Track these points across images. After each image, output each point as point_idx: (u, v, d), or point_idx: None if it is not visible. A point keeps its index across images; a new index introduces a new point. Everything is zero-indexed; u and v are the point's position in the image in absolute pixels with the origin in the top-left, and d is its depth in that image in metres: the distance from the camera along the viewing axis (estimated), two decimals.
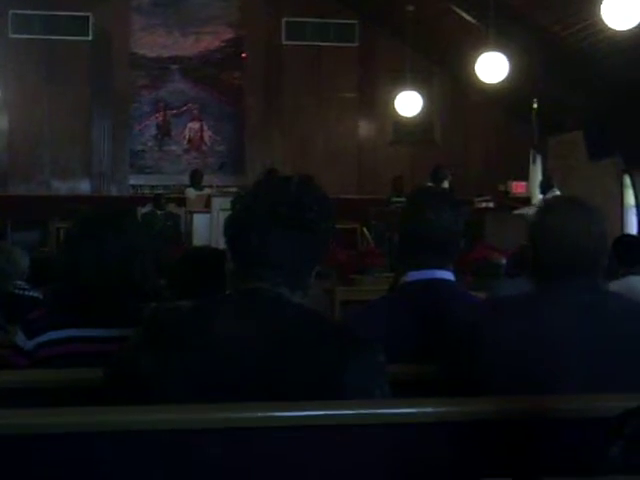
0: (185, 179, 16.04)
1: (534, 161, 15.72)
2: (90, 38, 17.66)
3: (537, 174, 15.45)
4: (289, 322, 2.31)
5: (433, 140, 18.50)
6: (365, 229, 14.56)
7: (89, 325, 3.04)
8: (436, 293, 3.20)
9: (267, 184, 2.49)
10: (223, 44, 18.24)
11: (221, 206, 13.04)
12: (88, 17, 17.56)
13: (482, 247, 8.97)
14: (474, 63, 13.91)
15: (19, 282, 5.27)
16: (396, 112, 16.78)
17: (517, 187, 16.81)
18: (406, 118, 16.93)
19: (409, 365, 2.88)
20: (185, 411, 2.16)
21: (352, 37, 18.44)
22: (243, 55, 18.23)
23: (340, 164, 17.76)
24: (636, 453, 1.83)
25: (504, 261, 7.42)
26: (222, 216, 11.78)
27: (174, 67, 18.09)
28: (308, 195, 2.41)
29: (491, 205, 15.02)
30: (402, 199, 12.47)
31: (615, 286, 5.82)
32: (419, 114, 16.66)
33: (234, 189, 14.17)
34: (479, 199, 14.96)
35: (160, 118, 18.11)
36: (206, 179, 15.73)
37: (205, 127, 18.21)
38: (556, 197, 3.03)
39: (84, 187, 17.68)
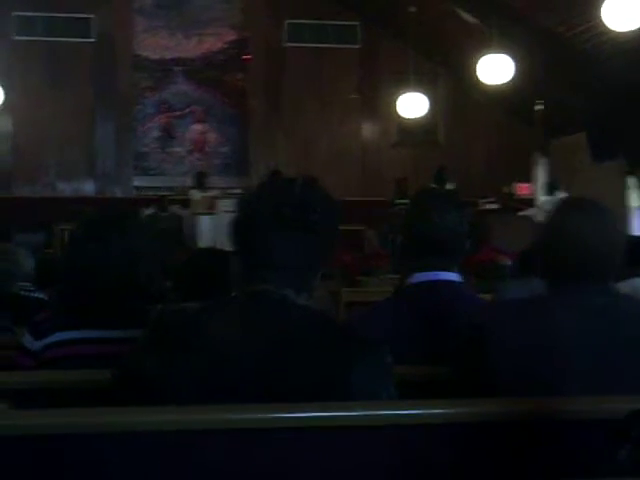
0: (189, 181, 16.07)
1: (538, 163, 15.73)
2: (93, 40, 17.68)
3: (541, 176, 15.46)
4: (295, 324, 2.31)
5: (437, 142, 18.50)
6: (370, 231, 14.55)
7: (95, 327, 3.04)
8: (441, 294, 3.19)
9: (271, 186, 2.49)
10: (226, 46, 18.26)
11: (225, 208, 13.07)
12: (90, 19, 17.58)
13: (487, 249, 8.97)
14: (477, 64, 13.93)
15: (24, 284, 5.27)
16: (399, 114, 16.78)
17: (521, 189, 16.81)
18: (409, 120, 16.94)
19: (416, 366, 2.88)
20: (189, 412, 2.16)
21: (354, 39, 18.45)
22: (246, 57, 18.22)
23: (344, 166, 17.77)
24: None
25: (509, 263, 7.43)
26: (226, 218, 11.80)
27: (177, 69, 18.11)
28: (312, 197, 2.42)
29: (495, 207, 15.02)
30: (406, 201, 12.47)
31: (620, 288, 5.80)
32: (422, 116, 16.66)
33: (238, 191, 14.18)
34: (483, 200, 14.96)
35: (163, 120, 18.13)
36: (210, 181, 15.75)
37: (209, 129, 18.22)
38: (568, 199, 2.99)
39: (88, 189, 17.71)
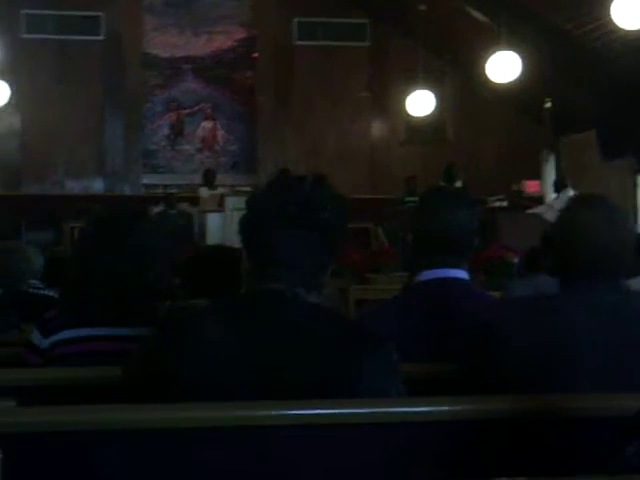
0: (198, 178, 16.07)
1: (547, 160, 15.71)
2: (102, 38, 17.69)
3: (550, 173, 15.44)
4: (305, 322, 2.32)
5: (446, 139, 18.48)
6: (380, 229, 14.54)
7: (103, 324, 3.05)
8: (450, 292, 3.19)
9: (281, 184, 2.49)
10: (235, 44, 18.26)
11: (234, 205, 13.05)
12: (100, 17, 17.59)
13: (496, 246, 8.96)
14: (486, 62, 13.91)
15: (33, 281, 5.28)
16: (408, 112, 16.76)
17: (530, 186, 16.77)
18: (418, 118, 16.91)
19: (424, 364, 2.88)
20: (199, 410, 2.16)
21: (364, 37, 18.43)
22: (254, 55, 18.23)
23: (353, 164, 17.75)
24: None
25: (517, 260, 7.42)
26: (235, 215, 11.82)
27: (186, 67, 18.11)
28: (321, 195, 2.42)
29: (504, 204, 14.99)
30: (415, 199, 12.45)
31: (630, 285, 5.79)
32: (431, 113, 16.64)
33: (247, 188, 14.17)
34: (492, 198, 14.93)
35: (173, 118, 18.14)
36: (219, 178, 15.76)
37: (218, 126, 18.23)
38: (579, 196, 2.98)
39: (97, 186, 17.72)
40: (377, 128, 18.64)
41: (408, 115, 16.98)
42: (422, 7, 15.73)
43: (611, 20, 10.78)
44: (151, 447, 2.13)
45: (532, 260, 6.68)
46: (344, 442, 2.18)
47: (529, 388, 2.56)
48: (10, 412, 2.28)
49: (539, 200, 15.17)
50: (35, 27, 17.40)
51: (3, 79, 15.57)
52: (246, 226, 2.44)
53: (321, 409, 2.17)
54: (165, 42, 18.03)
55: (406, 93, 16.64)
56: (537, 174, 16.13)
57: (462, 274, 3.25)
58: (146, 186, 17.90)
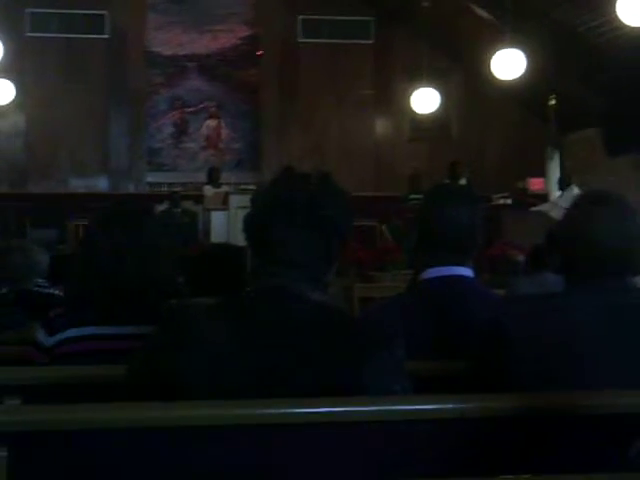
0: (202, 176, 16.06)
1: (551, 158, 15.69)
2: (106, 36, 17.71)
3: (555, 171, 15.42)
4: (310, 319, 2.31)
5: (450, 137, 18.47)
6: (384, 226, 14.53)
7: (108, 323, 3.04)
8: (455, 289, 3.19)
9: (285, 182, 2.49)
10: (239, 41, 18.26)
11: (238, 203, 13.06)
12: (104, 15, 17.61)
13: (500, 244, 8.96)
14: (491, 60, 13.90)
15: (39, 280, 5.29)
16: (413, 109, 16.77)
17: (535, 184, 16.76)
18: (423, 115, 16.92)
19: (430, 361, 2.87)
20: (202, 408, 2.16)
21: (368, 34, 18.43)
22: (259, 53, 18.23)
23: (357, 161, 17.75)
24: None
25: (522, 258, 7.42)
26: (239, 213, 11.82)
27: (190, 65, 18.12)
28: (326, 192, 2.42)
29: (509, 202, 14.98)
30: (420, 196, 12.45)
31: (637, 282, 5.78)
32: (436, 111, 16.65)
33: (251, 186, 14.19)
34: (497, 196, 14.92)
35: (177, 116, 18.15)
36: (223, 176, 15.77)
37: (222, 124, 18.23)
38: (588, 193, 2.96)
39: (102, 185, 17.74)
40: (381, 125, 18.63)
41: (413, 112, 16.99)
42: (426, 4, 15.73)
43: (616, 17, 10.77)
44: (154, 445, 2.13)
45: (537, 258, 6.67)
46: (349, 440, 2.18)
47: (536, 387, 2.55)
48: (15, 410, 2.28)
49: (544, 198, 15.15)
50: (40, 26, 17.43)
51: (8, 78, 15.61)
52: (250, 224, 2.44)
53: (326, 407, 2.16)
54: (169, 40, 18.05)
55: (410, 90, 16.66)
56: (542, 171, 16.11)
57: (467, 272, 3.25)
58: (150, 184, 17.92)
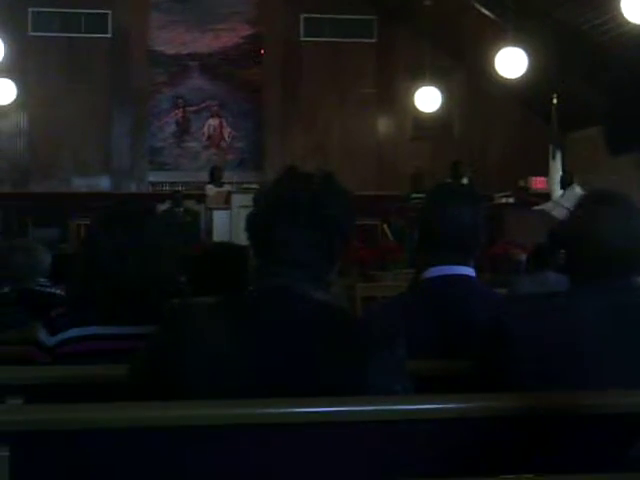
0: (204, 176, 16.05)
1: (554, 157, 15.67)
2: (109, 35, 17.71)
3: (557, 170, 15.40)
4: (312, 318, 2.31)
5: (452, 136, 18.45)
6: (386, 226, 14.53)
7: (110, 322, 3.04)
8: (457, 289, 3.19)
9: (288, 181, 2.49)
10: (241, 40, 18.25)
11: (241, 203, 13.05)
12: (107, 14, 17.62)
13: (502, 243, 8.96)
14: (493, 58, 13.90)
15: (41, 279, 5.28)
16: (415, 108, 16.77)
17: (537, 183, 16.76)
18: (425, 114, 16.92)
19: (431, 361, 2.87)
20: (205, 408, 2.16)
21: (371, 33, 18.43)
22: (261, 52, 18.23)
23: (359, 160, 17.75)
24: None
25: (524, 257, 7.41)
26: (242, 213, 11.81)
27: (193, 64, 18.12)
28: (329, 192, 2.42)
29: (511, 201, 14.97)
30: (422, 195, 12.45)
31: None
32: (438, 110, 16.65)
33: (254, 186, 14.18)
34: (499, 195, 14.91)
35: (179, 115, 18.14)
36: (225, 176, 15.75)
37: (224, 124, 18.23)
38: (592, 192, 2.94)
39: (104, 184, 17.74)
40: (384, 124, 18.63)
41: (415, 111, 16.99)
42: (428, 3, 15.71)
43: (620, 14, 10.75)
44: (155, 445, 2.13)
45: (539, 257, 6.67)
46: (348, 440, 2.18)
47: (537, 386, 2.55)
48: (17, 410, 2.28)
49: (546, 197, 15.14)
50: (42, 25, 17.43)
51: (10, 77, 15.62)
52: (253, 223, 2.44)
53: (327, 407, 2.16)
54: (171, 39, 18.04)
55: (413, 89, 16.66)
56: (544, 170, 16.09)
57: (468, 271, 3.24)
58: (152, 184, 17.92)
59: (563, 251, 2.89)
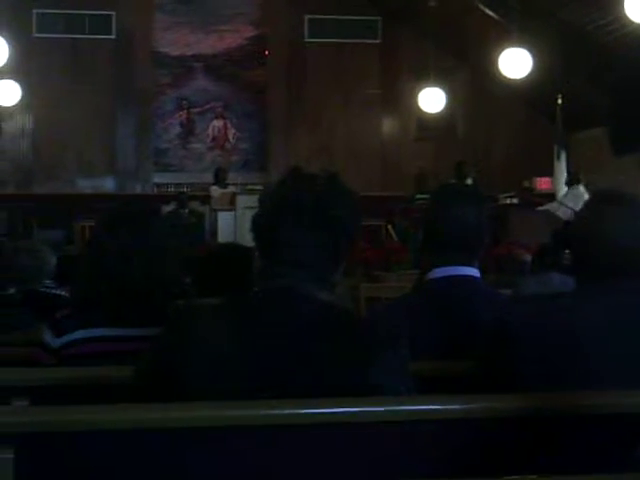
0: (209, 177, 16.07)
1: (558, 157, 15.66)
2: (113, 37, 17.73)
3: (562, 170, 15.39)
4: (316, 319, 2.32)
5: (456, 136, 18.45)
6: (390, 226, 14.53)
7: (115, 324, 3.04)
8: (461, 289, 3.18)
9: (293, 182, 2.49)
10: (246, 42, 18.27)
11: (245, 204, 13.06)
12: (111, 15, 17.64)
13: (507, 244, 8.95)
14: (497, 59, 13.89)
15: (46, 281, 5.29)
16: (419, 108, 16.78)
17: (541, 183, 16.75)
18: (429, 115, 16.92)
19: (435, 361, 2.87)
20: (210, 409, 2.17)
21: (375, 34, 18.44)
22: (265, 53, 18.24)
23: (364, 161, 17.76)
24: None
25: (529, 258, 7.40)
26: (247, 214, 11.82)
27: (197, 65, 18.14)
28: (333, 192, 2.42)
29: (515, 201, 14.96)
30: (426, 196, 12.45)
31: None
32: (442, 110, 16.65)
33: (258, 187, 14.19)
34: (503, 195, 14.91)
35: (184, 116, 18.16)
36: (230, 177, 15.76)
37: (229, 125, 18.24)
38: (600, 193, 2.93)
39: (108, 185, 17.77)
40: (388, 125, 18.63)
41: (419, 112, 17.00)
42: (432, 3, 15.71)
43: (625, 15, 10.74)
44: (160, 447, 2.14)
45: (543, 257, 6.66)
46: (351, 441, 2.18)
47: (541, 387, 2.54)
48: (22, 412, 2.29)
49: (550, 197, 15.13)
50: (46, 26, 17.46)
51: (15, 78, 15.63)
52: (258, 224, 2.44)
53: (328, 408, 2.16)
54: (176, 40, 18.06)
55: (417, 90, 16.67)
56: (548, 171, 16.08)
57: (473, 272, 3.24)
58: (157, 185, 17.94)
59: (568, 251, 2.89)
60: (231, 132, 18.25)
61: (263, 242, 2.44)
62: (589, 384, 2.48)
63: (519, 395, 2.36)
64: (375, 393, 2.24)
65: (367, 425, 2.17)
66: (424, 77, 16.51)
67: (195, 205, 15.48)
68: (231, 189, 14.93)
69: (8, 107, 16.28)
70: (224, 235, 13.63)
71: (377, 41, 18.48)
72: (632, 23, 11.01)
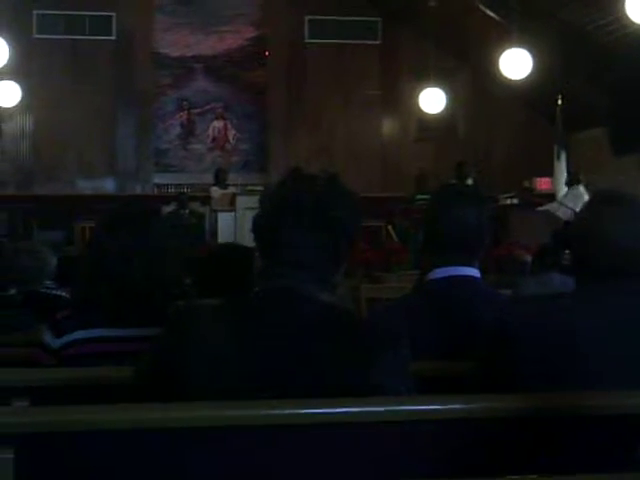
0: (209, 178, 16.07)
1: (558, 157, 15.66)
2: (114, 38, 17.74)
3: (562, 170, 15.40)
4: (317, 319, 2.32)
5: (457, 137, 18.46)
6: (390, 227, 14.53)
7: (115, 325, 3.04)
8: (462, 290, 3.18)
9: (293, 183, 2.49)
10: (246, 43, 18.27)
11: (246, 205, 13.06)
12: (112, 17, 17.64)
13: (507, 244, 8.95)
14: (498, 59, 13.90)
15: (47, 281, 5.29)
16: (419, 109, 16.78)
17: (542, 183, 16.76)
18: (430, 115, 16.93)
19: (436, 362, 2.87)
20: (205, 409, 2.17)
21: (375, 34, 18.44)
22: (266, 53, 18.24)
23: (364, 162, 17.76)
24: None
25: (529, 258, 7.40)
26: (247, 215, 11.83)
27: (197, 66, 18.14)
28: (334, 193, 2.42)
29: (515, 202, 14.96)
30: (426, 196, 12.45)
31: None
32: (443, 111, 16.65)
33: (258, 188, 14.19)
34: (504, 195, 14.91)
35: (184, 117, 18.17)
36: (230, 177, 15.77)
37: (229, 126, 18.25)
38: (600, 193, 2.92)
39: (109, 186, 17.77)
40: (388, 126, 18.64)
41: (419, 113, 17.01)
42: (433, 4, 15.72)
43: (624, 15, 10.74)
44: (160, 447, 2.14)
45: (543, 258, 6.66)
46: (352, 441, 2.18)
47: (542, 387, 2.54)
48: (22, 412, 2.29)
49: (551, 197, 15.14)
50: (47, 27, 17.47)
51: (15, 79, 15.64)
52: (258, 225, 2.44)
53: (329, 408, 2.16)
54: (176, 41, 18.07)
55: (417, 91, 16.68)
56: (548, 171, 16.09)
57: (473, 272, 3.24)
58: (157, 185, 17.95)
59: (568, 252, 2.89)
60: (231, 133, 18.25)
61: (264, 243, 2.44)
62: (589, 384, 2.48)
63: (519, 395, 2.36)
64: (376, 393, 2.24)
65: (367, 425, 2.17)
66: (424, 78, 16.51)
67: (195, 206, 15.48)
68: (231, 190, 14.93)
69: (8, 108, 16.29)
70: (224, 236, 13.63)
71: (377, 42, 18.48)
72: (632, 23, 11.01)
